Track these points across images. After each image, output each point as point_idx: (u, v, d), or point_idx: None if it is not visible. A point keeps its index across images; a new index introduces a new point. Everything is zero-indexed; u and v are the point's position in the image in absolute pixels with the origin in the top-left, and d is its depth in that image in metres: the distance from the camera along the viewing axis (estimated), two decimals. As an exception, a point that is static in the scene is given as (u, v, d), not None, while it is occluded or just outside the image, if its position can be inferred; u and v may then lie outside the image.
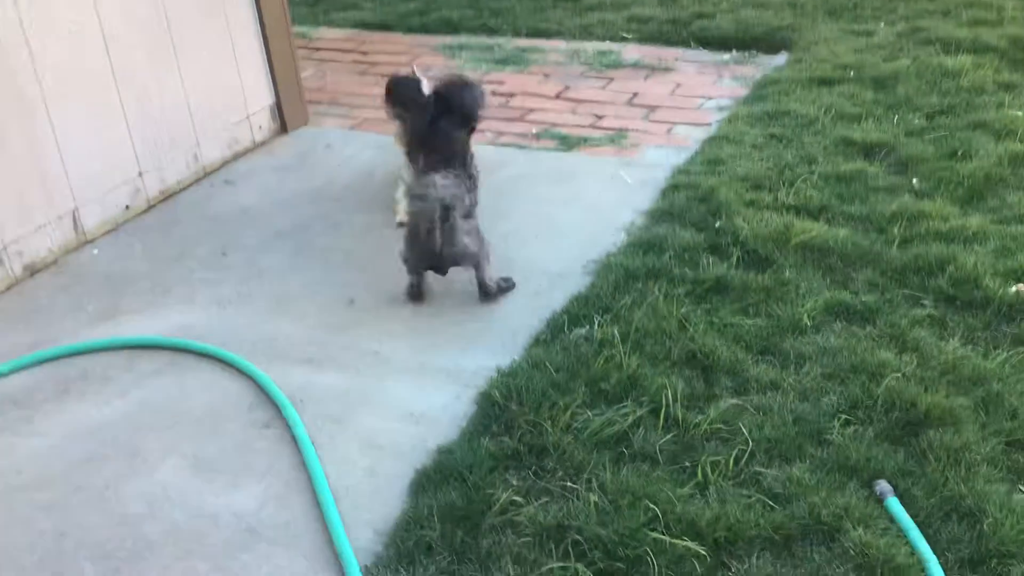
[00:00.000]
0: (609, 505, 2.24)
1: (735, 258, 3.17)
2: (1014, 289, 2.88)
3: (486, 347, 2.94)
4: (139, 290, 3.36)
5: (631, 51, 5.54)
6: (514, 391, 2.62)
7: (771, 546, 2.14)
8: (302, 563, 2.22)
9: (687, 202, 3.57)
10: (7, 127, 3.30)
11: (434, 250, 2.99)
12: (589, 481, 2.32)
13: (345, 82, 5.35)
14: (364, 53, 5.83)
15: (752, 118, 4.30)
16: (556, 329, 2.94)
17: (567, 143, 4.38)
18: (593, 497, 2.26)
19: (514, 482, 2.34)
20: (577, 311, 3.00)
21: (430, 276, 3.19)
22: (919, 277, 3.03)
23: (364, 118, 4.76)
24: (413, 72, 3.66)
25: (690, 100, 4.82)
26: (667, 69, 5.25)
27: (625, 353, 2.74)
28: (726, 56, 5.37)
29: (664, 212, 3.55)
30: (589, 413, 2.54)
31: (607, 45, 5.65)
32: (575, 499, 2.28)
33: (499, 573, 2.10)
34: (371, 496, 2.40)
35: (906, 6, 5.58)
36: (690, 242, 3.28)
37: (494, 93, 5.05)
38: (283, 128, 4.55)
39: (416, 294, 3.19)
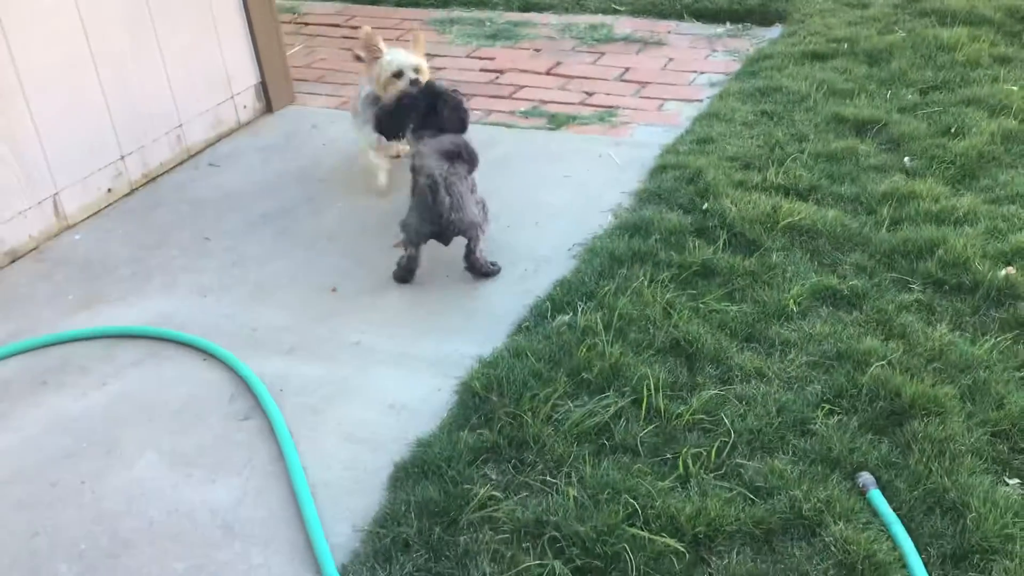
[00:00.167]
0: (588, 500, 2.22)
1: (721, 241, 3.13)
2: (1003, 272, 2.84)
3: (469, 335, 2.91)
4: (120, 277, 3.32)
5: (623, 24, 5.46)
6: (495, 382, 2.58)
7: (751, 541, 2.12)
8: (279, 561, 2.20)
9: (675, 183, 3.52)
10: (-18, 113, 3.25)
11: (442, 214, 2.96)
12: (569, 475, 2.30)
13: (333, 59, 5.28)
14: (353, 28, 5.74)
15: (743, 94, 4.23)
16: (539, 316, 2.90)
17: (556, 121, 4.32)
18: (572, 492, 2.23)
19: (493, 476, 2.32)
20: (561, 297, 2.96)
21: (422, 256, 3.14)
22: (908, 260, 2.98)
23: (351, 97, 4.68)
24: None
25: (682, 75, 4.75)
26: (659, 43, 5.18)
27: (608, 341, 2.70)
28: (719, 29, 5.29)
29: (652, 193, 3.50)
30: (570, 404, 2.50)
31: (599, 18, 5.57)
32: (554, 493, 2.25)
33: (476, 571, 2.08)
34: (350, 490, 2.37)
35: (903, -24, 5.47)
36: (677, 225, 3.24)
37: (484, 70, 4.99)
38: (268, 108, 4.49)
39: (407, 271, 3.15)
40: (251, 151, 4.17)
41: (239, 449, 2.55)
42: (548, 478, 2.30)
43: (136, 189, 3.86)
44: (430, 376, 2.75)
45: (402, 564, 2.11)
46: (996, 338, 2.64)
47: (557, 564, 2.07)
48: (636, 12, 5.62)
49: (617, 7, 5.67)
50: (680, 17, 5.50)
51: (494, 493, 2.25)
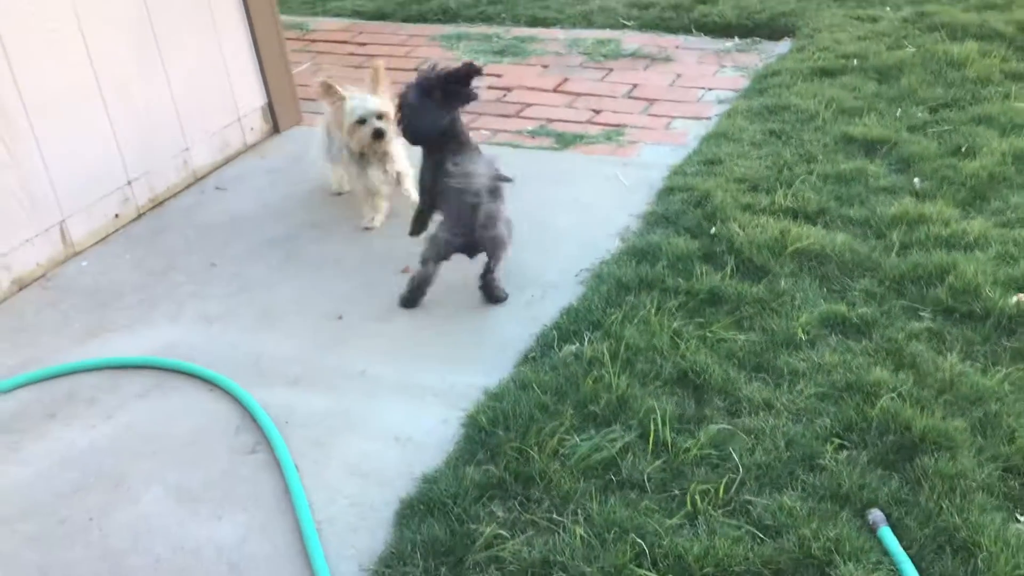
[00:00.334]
0: (595, 539, 2.20)
1: (729, 267, 3.11)
2: (1014, 300, 2.81)
3: (475, 364, 2.89)
4: (126, 305, 3.33)
5: (631, 39, 5.45)
6: (501, 415, 2.57)
7: (760, 581, 2.10)
8: (283, 601, 2.19)
9: (682, 206, 3.51)
10: (-11, 142, 3.26)
11: (474, 227, 2.96)
12: (575, 513, 2.28)
13: (340, 77, 5.26)
14: (361, 44, 5.76)
15: (752, 113, 4.21)
16: (546, 345, 2.89)
17: (563, 141, 4.31)
18: (579, 530, 2.22)
19: (499, 514, 2.30)
20: (568, 326, 2.94)
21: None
22: (918, 287, 2.96)
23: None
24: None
25: (690, 92, 4.73)
26: (667, 59, 5.16)
27: (615, 373, 2.68)
28: (728, 44, 5.27)
29: (659, 216, 3.48)
30: (577, 438, 2.49)
31: (607, 33, 5.56)
32: (561, 532, 2.24)
33: (481, 613, 2.06)
34: (355, 527, 2.36)
35: (912, -12, 5.45)
36: (684, 250, 3.22)
37: (491, 87, 4.98)
38: (275, 128, 4.49)
39: (419, 293, 3.13)
40: (258, 174, 4.17)
41: (245, 483, 2.54)
42: (555, 516, 2.28)
43: (143, 214, 3.87)
44: (436, 407, 2.74)
45: (408, 605, 2.09)
46: (1007, 369, 2.61)
47: (563, 606, 2.05)
48: (644, 26, 5.61)
49: (624, 22, 5.66)
50: (688, 31, 5.49)
51: (500, 532, 2.24)
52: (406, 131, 3.21)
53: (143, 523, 2.43)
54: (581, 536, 2.21)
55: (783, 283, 3.03)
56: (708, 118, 4.40)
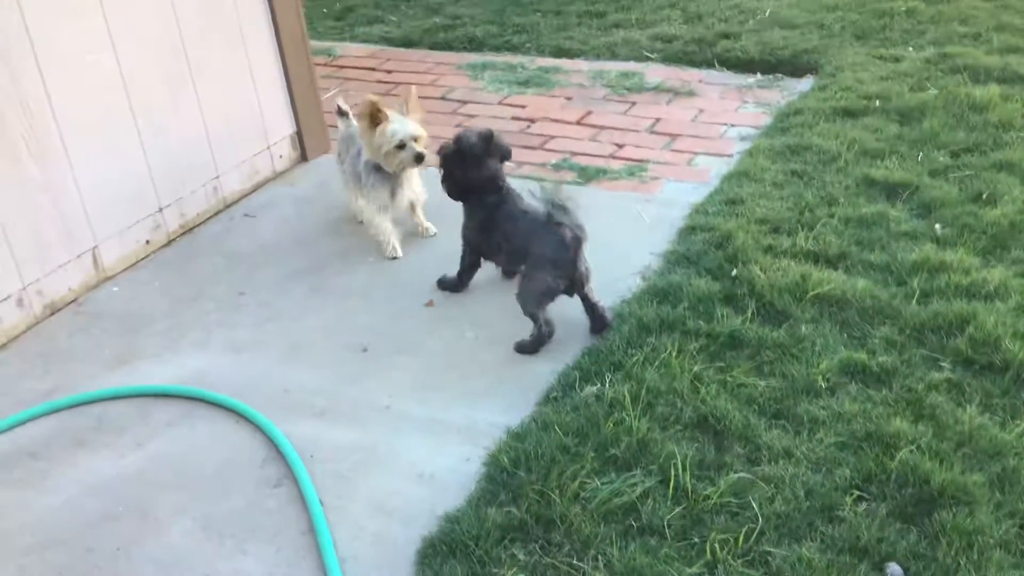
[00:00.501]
0: (615, 585, 2.23)
1: (750, 311, 3.14)
2: (1034, 353, 2.83)
3: (497, 401, 2.94)
4: (156, 331, 3.39)
5: (655, 72, 5.50)
6: (523, 456, 2.61)
7: (777, 633, 2.12)
8: (307, 638, 2.23)
9: (704, 246, 3.54)
10: (26, 168, 3.33)
11: (576, 264, 3.03)
12: (596, 558, 2.31)
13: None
14: (388, 72, 5.83)
15: (774, 152, 4.25)
16: (567, 385, 2.92)
17: (585, 175, 4.35)
18: (599, 576, 2.25)
19: (520, 557, 2.34)
20: (589, 366, 2.98)
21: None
22: (938, 336, 2.98)
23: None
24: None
25: (712, 128, 4.77)
26: (690, 93, 5.21)
27: (635, 416, 2.72)
28: (750, 80, 5.31)
29: (681, 256, 3.52)
30: (598, 482, 2.52)
31: (631, 65, 5.61)
32: (581, 577, 2.27)
33: (502, 657, 2.10)
34: (379, 565, 2.41)
35: (936, 29, 5.49)
36: (705, 291, 3.25)
37: (515, 118, 5.04)
38: (303, 156, 4.56)
39: (548, 336, 3.13)
40: (286, 202, 4.24)
41: (270, 517, 2.58)
42: (575, 561, 2.32)
43: (173, 240, 3.94)
44: (459, 444, 2.78)
45: (430, 647, 2.13)
46: (1026, 422, 2.63)
47: (583, 653, 2.09)
48: (667, 60, 5.65)
49: (648, 55, 5.71)
50: (711, 66, 5.53)
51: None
52: (451, 183, 3.26)
53: (170, 555, 2.48)
54: (601, 582, 2.24)
55: (804, 328, 3.06)
56: (730, 155, 4.44)
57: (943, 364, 2.88)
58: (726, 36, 5.74)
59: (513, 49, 6.00)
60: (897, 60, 5.14)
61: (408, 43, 6.29)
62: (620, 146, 4.65)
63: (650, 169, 4.37)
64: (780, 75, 5.34)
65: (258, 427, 2.88)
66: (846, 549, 2.30)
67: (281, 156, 4.44)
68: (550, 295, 3.10)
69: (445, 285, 3.49)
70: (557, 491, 2.50)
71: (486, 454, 2.71)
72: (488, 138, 3.21)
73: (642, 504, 2.46)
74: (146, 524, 2.58)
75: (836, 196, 3.82)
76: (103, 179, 3.60)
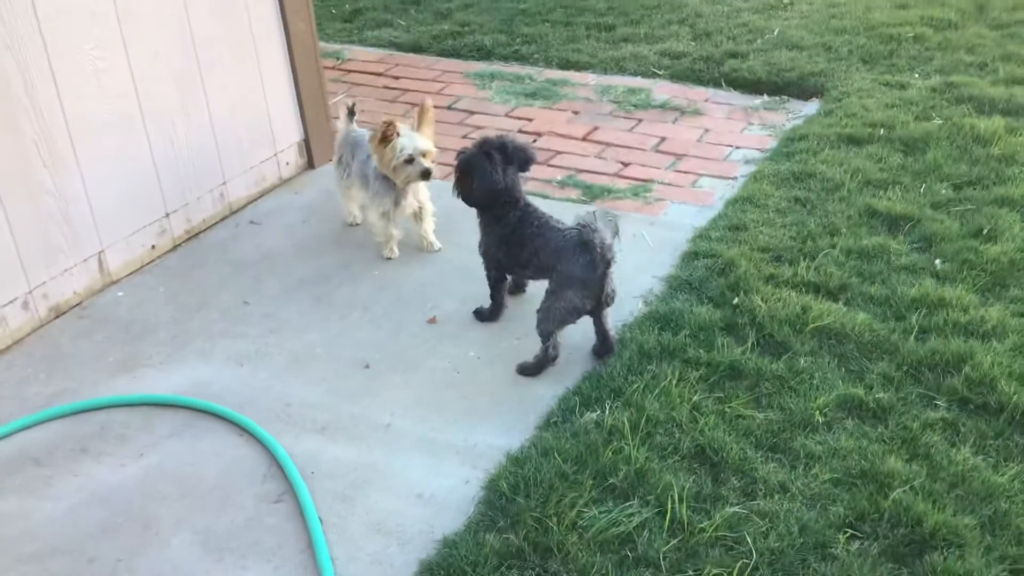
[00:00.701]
0: (609, 617, 2.26)
1: (750, 342, 3.17)
2: (1029, 396, 2.87)
3: (497, 423, 2.97)
4: (160, 340, 3.41)
5: (662, 89, 5.52)
6: (522, 482, 2.64)
7: (767, 671, 2.16)
8: (305, 659, 2.26)
9: (706, 272, 3.57)
10: (36, 172, 3.35)
11: (604, 285, 3.03)
12: (591, 588, 2.35)
13: (374, 110, 5.37)
14: (395, 78, 5.85)
15: (778, 178, 4.28)
16: (568, 410, 2.96)
17: (591, 193, 4.38)
18: (594, 607, 2.28)
19: (517, 584, 2.37)
20: (589, 391, 3.01)
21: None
22: (935, 374, 3.02)
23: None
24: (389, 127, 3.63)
25: (717, 149, 4.80)
26: (696, 112, 5.23)
27: (634, 445, 2.75)
28: (756, 101, 5.34)
29: (683, 282, 3.55)
30: (595, 511, 2.56)
31: (638, 81, 5.63)
32: (576, 607, 2.30)
33: None
34: (376, 587, 2.43)
35: (943, 56, 5.52)
36: (707, 320, 3.29)
37: (522, 131, 5.06)
38: (310, 164, 4.58)
39: (552, 360, 3.16)
40: (291, 209, 4.26)
41: (270, 534, 2.61)
42: (571, 591, 2.35)
43: (178, 245, 3.96)
44: (458, 466, 2.81)
45: (425, 673, 2.16)
46: (1019, 465, 2.67)
47: None
48: (675, 77, 5.67)
49: (656, 71, 5.73)
50: (718, 85, 5.55)
51: (518, 603, 2.30)
52: (464, 191, 3.27)
53: (170, 568, 2.51)
54: (596, 613, 2.27)
55: (802, 361, 3.09)
56: (734, 178, 4.47)
57: (939, 403, 2.92)
58: (734, 55, 5.76)
59: (521, 59, 6.02)
60: (903, 87, 5.16)
61: (417, 48, 6.30)
62: (626, 164, 4.68)
63: (655, 189, 4.40)
64: (786, 97, 5.37)
65: (260, 442, 2.90)
66: (838, 588, 2.33)
67: (288, 163, 4.47)
68: (575, 314, 3.10)
69: (483, 316, 3.46)
70: (555, 519, 2.53)
71: (485, 477, 2.74)
72: (504, 146, 3.22)
73: (638, 535, 2.49)
74: (147, 536, 2.61)
75: (838, 226, 3.85)
76: (112, 184, 3.62)
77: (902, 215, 3.90)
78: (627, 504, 2.58)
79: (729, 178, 4.48)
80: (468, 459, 2.83)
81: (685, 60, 5.80)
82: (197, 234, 4.04)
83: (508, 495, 2.62)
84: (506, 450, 2.82)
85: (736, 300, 3.39)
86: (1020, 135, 4.51)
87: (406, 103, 5.45)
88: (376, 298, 3.62)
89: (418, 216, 3.87)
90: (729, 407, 2.92)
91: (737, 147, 4.81)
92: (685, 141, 4.91)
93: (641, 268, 3.72)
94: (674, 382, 3.00)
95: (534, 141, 4.94)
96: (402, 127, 3.61)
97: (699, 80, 5.62)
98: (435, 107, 5.14)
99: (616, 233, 2.99)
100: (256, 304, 3.60)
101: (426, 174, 3.61)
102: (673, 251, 3.83)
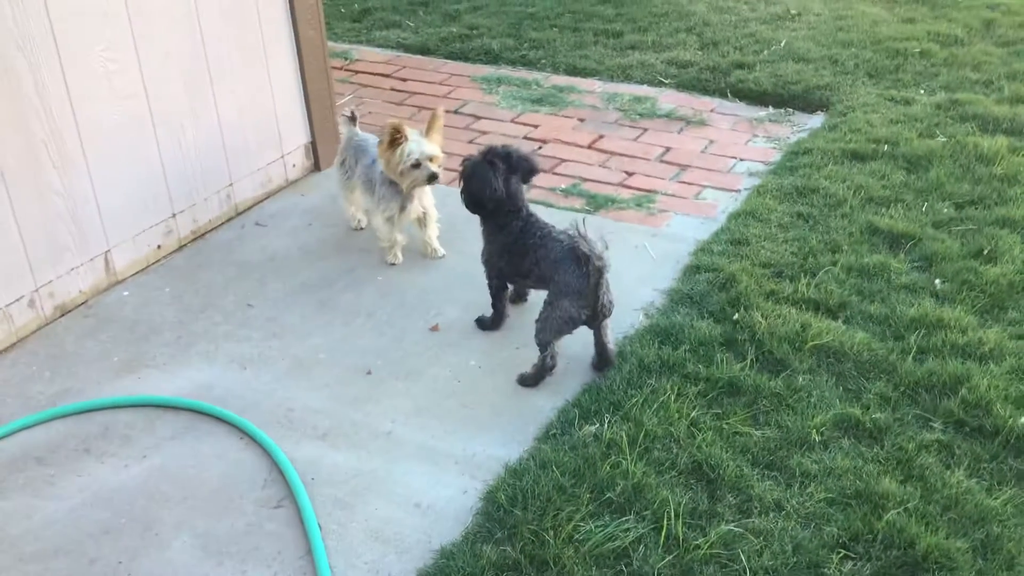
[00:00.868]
0: (603, 632, 2.29)
1: (750, 358, 3.20)
2: (1024, 420, 2.90)
3: (496, 434, 3.00)
4: (164, 341, 3.44)
5: (667, 98, 5.54)
6: (520, 494, 2.67)
7: None
8: (302, 666, 2.29)
9: (707, 287, 3.60)
10: (45, 172, 3.38)
11: (599, 295, 3.05)
12: (586, 603, 2.37)
13: (381, 112, 5.39)
14: (402, 80, 5.87)
15: (781, 192, 4.30)
16: (567, 423, 2.98)
17: (595, 203, 4.41)
18: (588, 621, 2.31)
19: (513, 597, 2.40)
20: (589, 404, 3.04)
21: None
22: (931, 395, 3.04)
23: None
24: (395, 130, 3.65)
25: (721, 160, 4.82)
26: (701, 122, 5.25)
27: (632, 459, 2.78)
28: (761, 112, 5.36)
29: (684, 295, 3.58)
30: (592, 525, 2.58)
31: (644, 90, 5.66)
32: (571, 621, 2.33)
33: None
34: (373, 595, 2.46)
35: (948, 73, 5.54)
36: (707, 335, 3.31)
37: (527, 138, 5.09)
38: (316, 166, 4.61)
39: (550, 369, 3.18)
40: (297, 212, 4.29)
41: (270, 539, 2.64)
42: (566, 605, 2.38)
43: (184, 245, 3.99)
44: (457, 475, 2.84)
45: None
46: (1012, 490, 2.69)
47: None
48: (681, 86, 5.69)
49: (662, 79, 5.75)
50: (724, 95, 5.57)
51: (513, 616, 2.33)
52: (466, 197, 3.30)
53: (170, 571, 2.54)
54: (590, 628, 2.30)
55: (801, 379, 3.12)
56: (737, 191, 4.49)
57: (935, 424, 2.94)
58: (740, 66, 5.78)
59: (528, 64, 6.04)
60: (908, 103, 5.18)
61: (424, 50, 6.33)
62: (630, 174, 4.70)
63: (658, 201, 4.42)
64: (791, 109, 5.38)
65: (262, 447, 2.93)
66: (830, 609, 2.36)
67: (294, 165, 4.49)
68: (571, 324, 3.13)
69: (485, 324, 3.49)
70: (552, 532, 2.56)
71: (484, 488, 2.77)
72: (509, 155, 3.25)
73: (634, 550, 2.52)
74: (148, 538, 2.64)
75: (840, 243, 3.87)
76: (120, 184, 3.65)
77: (903, 233, 3.93)
78: (623, 519, 2.61)
79: (733, 190, 4.51)
80: (467, 469, 2.86)
81: (692, 69, 5.82)
82: (203, 235, 4.07)
83: (506, 507, 2.64)
84: (505, 461, 2.85)
85: (736, 316, 3.41)
86: (1023, 155, 4.53)
87: (413, 106, 5.48)
88: (379, 304, 3.65)
89: (422, 222, 3.89)
90: (727, 423, 2.95)
91: (741, 159, 4.83)
92: (690, 152, 4.93)
93: (643, 280, 3.74)
94: (673, 397, 3.03)
95: (539, 148, 4.97)
96: (410, 131, 3.64)
97: (705, 90, 5.64)
98: (436, 105, 5.20)
99: (592, 239, 3.01)
100: (260, 307, 3.63)
101: (432, 178, 3.64)
102: (675, 264, 3.85)
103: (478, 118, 5.33)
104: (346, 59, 6.19)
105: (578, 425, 2.96)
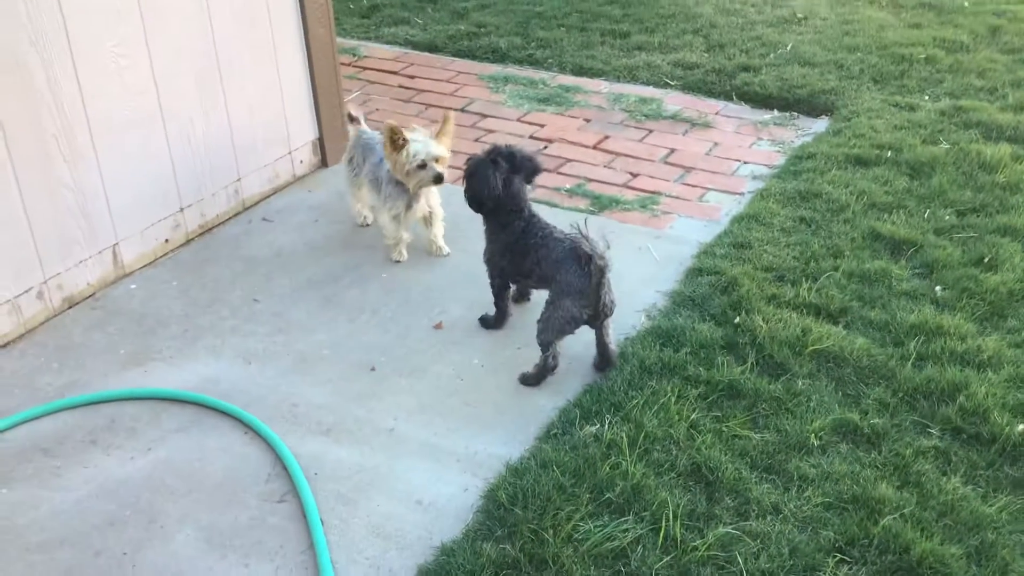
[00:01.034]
0: (600, 631, 2.33)
1: (750, 362, 3.23)
2: (1021, 428, 2.92)
3: (498, 433, 3.03)
4: (171, 334, 3.47)
5: (673, 99, 5.57)
6: (520, 493, 2.70)
7: None
8: (303, 659, 2.32)
9: (709, 290, 3.63)
10: (55, 166, 3.41)
11: (600, 295, 3.08)
12: (584, 602, 2.41)
13: (388, 109, 5.42)
14: (410, 77, 5.90)
15: (784, 197, 4.33)
16: (568, 422, 3.01)
17: (599, 204, 4.43)
18: (586, 620, 2.35)
19: (512, 595, 2.43)
20: (590, 404, 3.07)
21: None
22: (930, 402, 3.07)
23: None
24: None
25: (725, 163, 4.85)
26: (706, 124, 5.28)
27: (632, 460, 2.81)
28: (766, 116, 5.38)
29: (686, 298, 3.61)
30: (591, 525, 2.62)
31: (650, 91, 5.68)
32: (568, 619, 2.36)
33: None
34: (374, 590, 2.50)
35: (953, 80, 5.56)
36: (708, 338, 3.34)
37: (533, 137, 5.12)
38: (323, 163, 4.64)
39: (552, 369, 3.21)
40: (303, 208, 4.32)
41: (273, 533, 2.68)
42: (564, 603, 2.41)
43: (191, 240, 4.02)
44: (459, 473, 2.87)
45: (420, 678, 2.23)
46: (1007, 497, 2.72)
47: None
48: (687, 88, 5.72)
49: (668, 81, 5.78)
50: (729, 98, 5.60)
51: (512, 613, 2.37)
52: (467, 195, 3.32)
53: (174, 564, 2.57)
54: (588, 626, 2.33)
55: (800, 383, 3.15)
56: (741, 194, 4.52)
57: (932, 431, 2.97)
58: (746, 69, 5.80)
59: (535, 63, 6.06)
60: (912, 109, 5.21)
61: (432, 48, 6.35)
62: (634, 175, 4.73)
63: (662, 202, 4.45)
64: (796, 113, 5.41)
65: (266, 441, 2.97)
66: (824, 612, 2.39)
67: (302, 161, 4.52)
68: (573, 324, 3.16)
69: (488, 323, 3.52)
70: (551, 531, 2.59)
71: (485, 486, 2.80)
72: (512, 155, 3.28)
73: (632, 551, 2.55)
74: (152, 530, 2.68)
75: (842, 248, 3.90)
76: (129, 179, 3.68)
77: (905, 240, 3.95)
78: (622, 519, 2.64)
79: (736, 193, 4.53)
80: (469, 467, 2.89)
81: (698, 71, 5.84)
82: (210, 229, 4.10)
83: (506, 505, 2.68)
84: (506, 460, 2.88)
85: (738, 319, 3.44)
86: (1026, 163, 4.55)
87: (420, 103, 5.51)
88: (384, 301, 3.68)
89: (428, 220, 3.92)
90: (726, 426, 2.98)
91: (745, 162, 4.85)
92: (694, 154, 4.96)
93: (645, 282, 3.77)
94: (673, 399, 3.06)
95: (544, 148, 5.00)
96: (417, 132, 3.67)
97: (711, 92, 5.67)
98: (448, 109, 5.24)
99: (594, 239, 3.04)
100: (266, 302, 3.66)
101: (438, 179, 3.67)
102: (678, 266, 3.88)
103: (484, 116, 5.36)
104: (354, 55, 6.21)
105: (579, 425, 2.99)
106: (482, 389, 3.23)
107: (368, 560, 2.59)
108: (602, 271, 3.05)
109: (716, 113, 5.43)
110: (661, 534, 2.59)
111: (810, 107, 5.43)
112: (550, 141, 5.09)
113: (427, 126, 3.76)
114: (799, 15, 6.68)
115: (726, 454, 2.87)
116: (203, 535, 2.66)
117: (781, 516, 2.67)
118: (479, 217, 3.42)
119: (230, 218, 4.18)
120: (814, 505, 2.70)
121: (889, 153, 4.69)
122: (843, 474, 2.80)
